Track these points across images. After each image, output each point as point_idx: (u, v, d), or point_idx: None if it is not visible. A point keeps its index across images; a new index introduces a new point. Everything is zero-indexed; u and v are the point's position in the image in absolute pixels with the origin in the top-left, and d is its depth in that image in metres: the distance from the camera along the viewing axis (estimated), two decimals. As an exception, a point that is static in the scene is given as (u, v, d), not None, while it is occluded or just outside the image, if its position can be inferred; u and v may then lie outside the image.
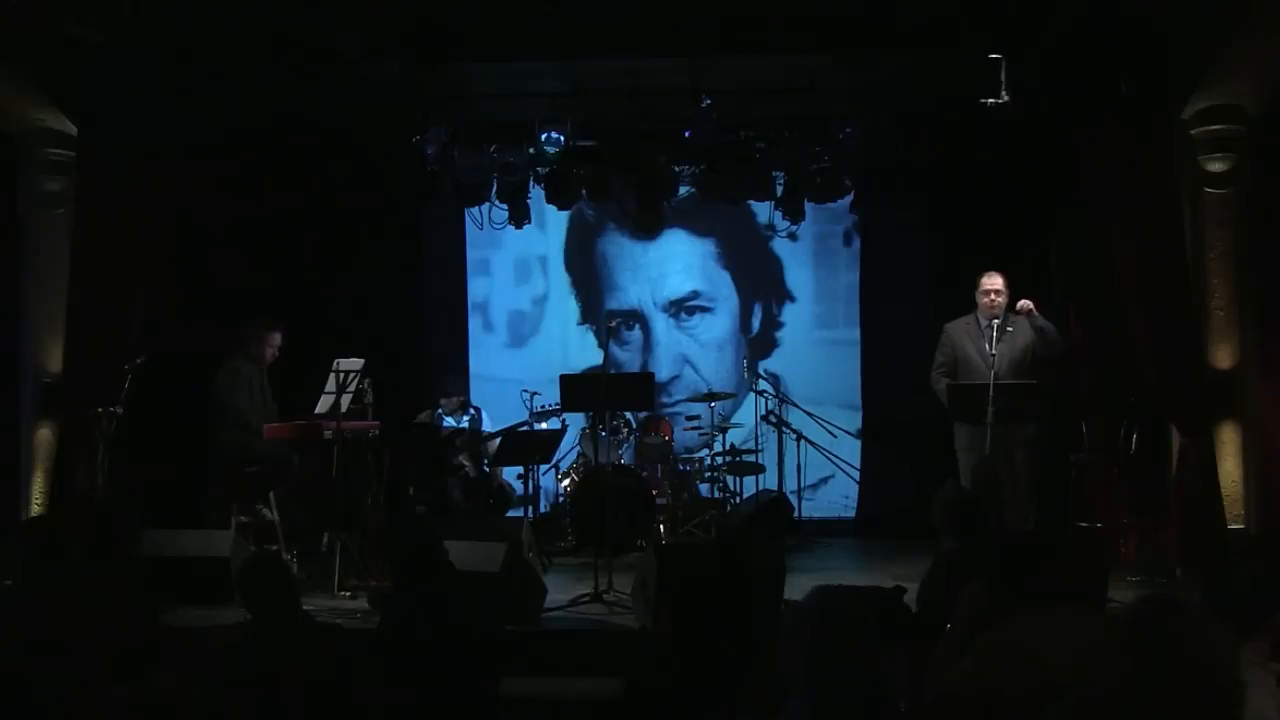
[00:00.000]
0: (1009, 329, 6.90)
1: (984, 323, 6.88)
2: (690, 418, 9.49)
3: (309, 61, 7.06)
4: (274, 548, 7.15)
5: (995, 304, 6.89)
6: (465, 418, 8.93)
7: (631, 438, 9.31)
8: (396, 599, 4.64)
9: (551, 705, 5.16)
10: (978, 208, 8.80)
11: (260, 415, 7.39)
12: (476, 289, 10.41)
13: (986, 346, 6.73)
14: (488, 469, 8.86)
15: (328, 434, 7.09)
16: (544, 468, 8.79)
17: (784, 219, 9.41)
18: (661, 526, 8.63)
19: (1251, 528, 7.17)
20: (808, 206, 9.27)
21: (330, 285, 9.24)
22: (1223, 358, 7.28)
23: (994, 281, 6.94)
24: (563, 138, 8.48)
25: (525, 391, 8.71)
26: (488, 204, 9.28)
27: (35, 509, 7.50)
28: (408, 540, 4.46)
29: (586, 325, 10.40)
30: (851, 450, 9.66)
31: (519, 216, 9.27)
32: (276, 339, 7.58)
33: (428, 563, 4.33)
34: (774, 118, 8.61)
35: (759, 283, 10.29)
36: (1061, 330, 7.46)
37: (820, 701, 2.61)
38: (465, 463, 8.84)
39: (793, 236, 9.99)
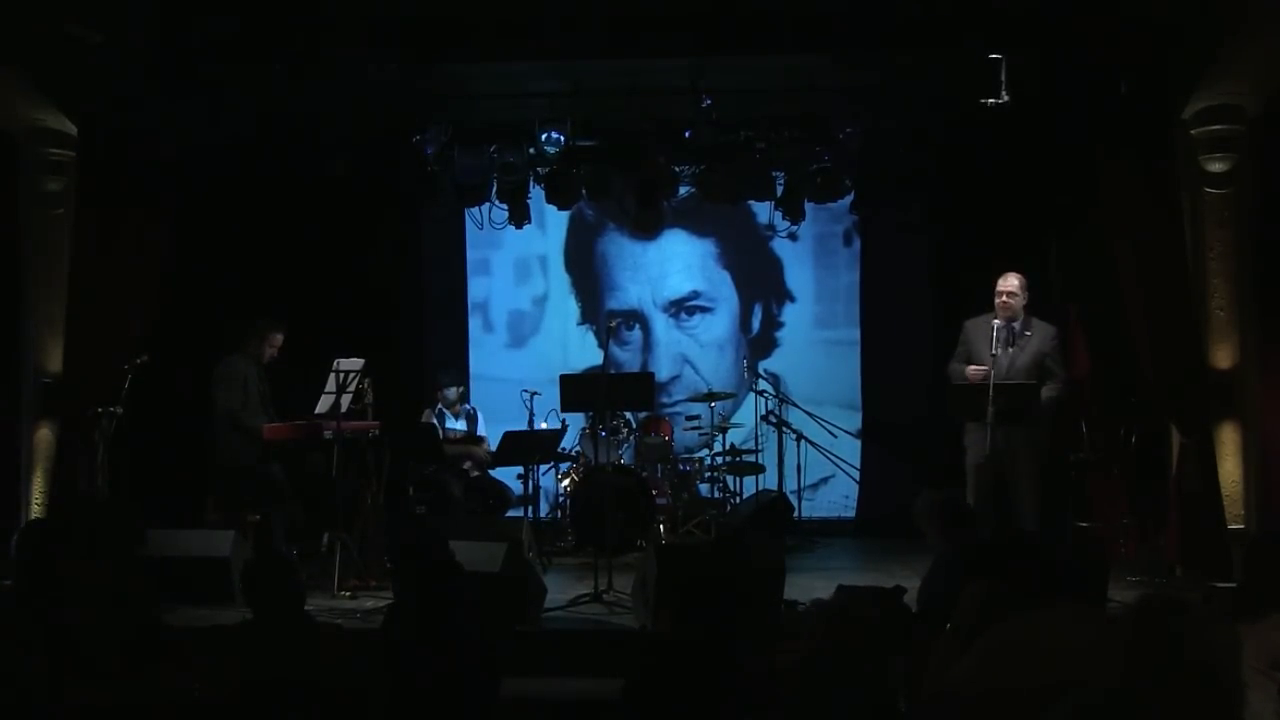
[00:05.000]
0: (1027, 333, 6.83)
1: (998, 323, 6.83)
2: (690, 418, 9.49)
3: (309, 61, 7.06)
4: (279, 548, 7.13)
5: (1008, 305, 6.80)
6: (462, 418, 8.93)
7: (631, 438, 9.31)
8: (399, 599, 4.64)
9: (551, 705, 5.16)
10: (977, 208, 8.80)
11: (255, 414, 7.35)
12: (476, 289, 10.41)
13: (994, 347, 6.69)
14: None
15: (328, 434, 7.09)
16: (544, 468, 8.81)
17: (784, 219, 9.41)
18: (661, 526, 8.62)
19: (1251, 528, 7.17)
20: (808, 206, 9.26)
21: (330, 285, 9.24)
22: (1223, 358, 7.28)
23: (1008, 284, 6.84)
24: (563, 138, 8.48)
25: (525, 391, 8.71)
26: (488, 204, 9.28)
27: (35, 509, 7.50)
28: (413, 541, 4.46)
29: (586, 325, 10.40)
30: (851, 450, 9.66)
31: (519, 216, 9.27)
32: (278, 339, 7.56)
33: (433, 563, 4.33)
34: (774, 118, 8.61)
35: (759, 283, 10.29)
36: (1061, 328, 7.44)
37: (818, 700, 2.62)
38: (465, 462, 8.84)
39: (793, 236, 10.00)
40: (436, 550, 4.43)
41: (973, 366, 6.83)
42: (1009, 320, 6.79)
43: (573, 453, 9.11)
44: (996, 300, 6.87)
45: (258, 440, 7.20)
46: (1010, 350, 6.77)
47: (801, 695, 2.69)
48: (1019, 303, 6.84)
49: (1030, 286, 7.00)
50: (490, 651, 4.25)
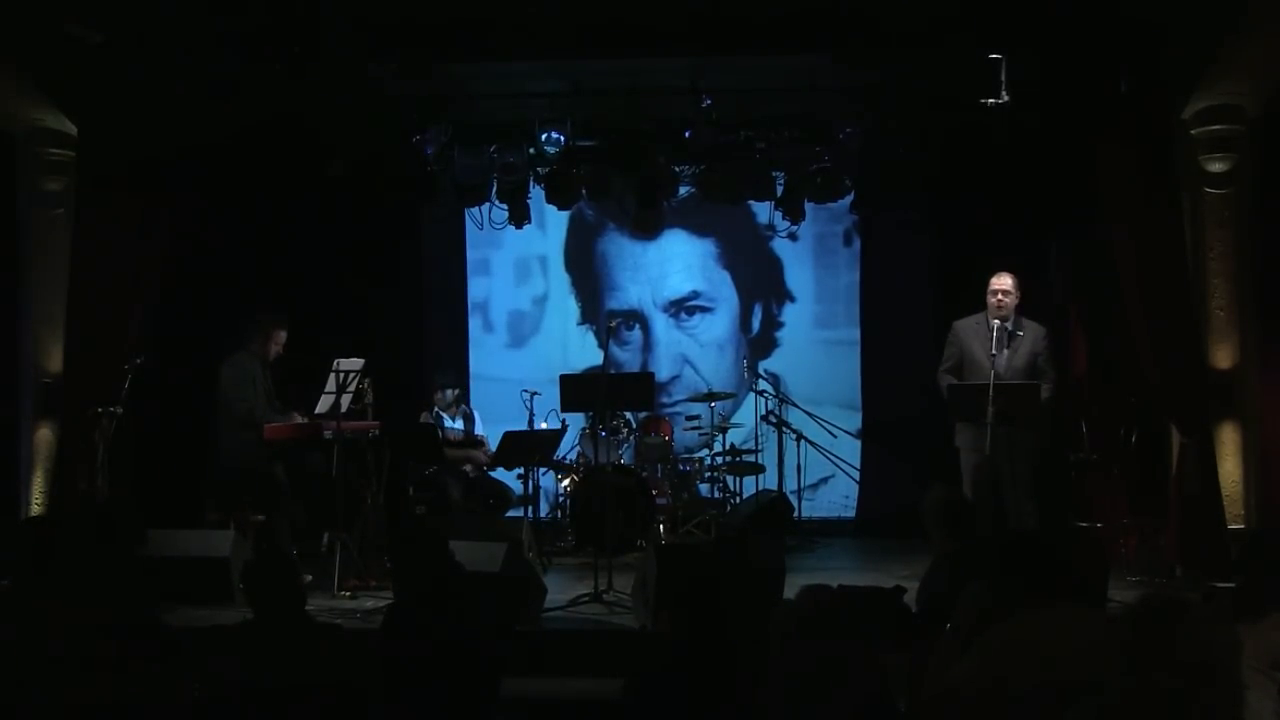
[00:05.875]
0: (1019, 333, 6.85)
1: (992, 323, 6.84)
2: (690, 418, 9.48)
3: (309, 61, 7.06)
4: (282, 547, 7.13)
5: (1003, 304, 6.84)
6: (460, 418, 8.93)
7: (631, 438, 9.30)
8: (399, 600, 4.64)
9: (551, 705, 5.16)
10: (978, 208, 8.79)
11: (263, 413, 7.34)
12: (476, 289, 10.41)
13: (991, 347, 6.69)
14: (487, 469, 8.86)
15: (328, 434, 7.09)
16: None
17: (784, 219, 9.40)
18: (661, 526, 8.62)
19: (1251, 527, 7.17)
20: (808, 206, 9.26)
21: (330, 285, 9.24)
22: (1223, 358, 7.28)
23: (1002, 282, 6.89)
24: (563, 138, 8.48)
25: (525, 392, 8.71)
26: (488, 204, 9.27)
27: (35, 509, 7.50)
28: (415, 545, 4.46)
29: (586, 325, 10.40)
30: (851, 450, 9.66)
31: (519, 216, 9.27)
32: (281, 335, 7.53)
33: (435, 566, 4.33)
34: (774, 118, 8.61)
35: (759, 283, 10.29)
36: (1061, 332, 7.45)
37: (807, 700, 2.62)
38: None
39: (793, 236, 9.99)
40: (435, 551, 4.43)
41: None
42: (1002, 320, 6.81)
43: (571, 462, 9.11)
44: (991, 299, 6.88)
45: (264, 439, 7.20)
46: (1006, 351, 6.78)
47: (789, 696, 2.69)
48: (1013, 302, 6.87)
49: (1027, 286, 7.02)
50: (490, 651, 4.25)
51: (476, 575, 5.78)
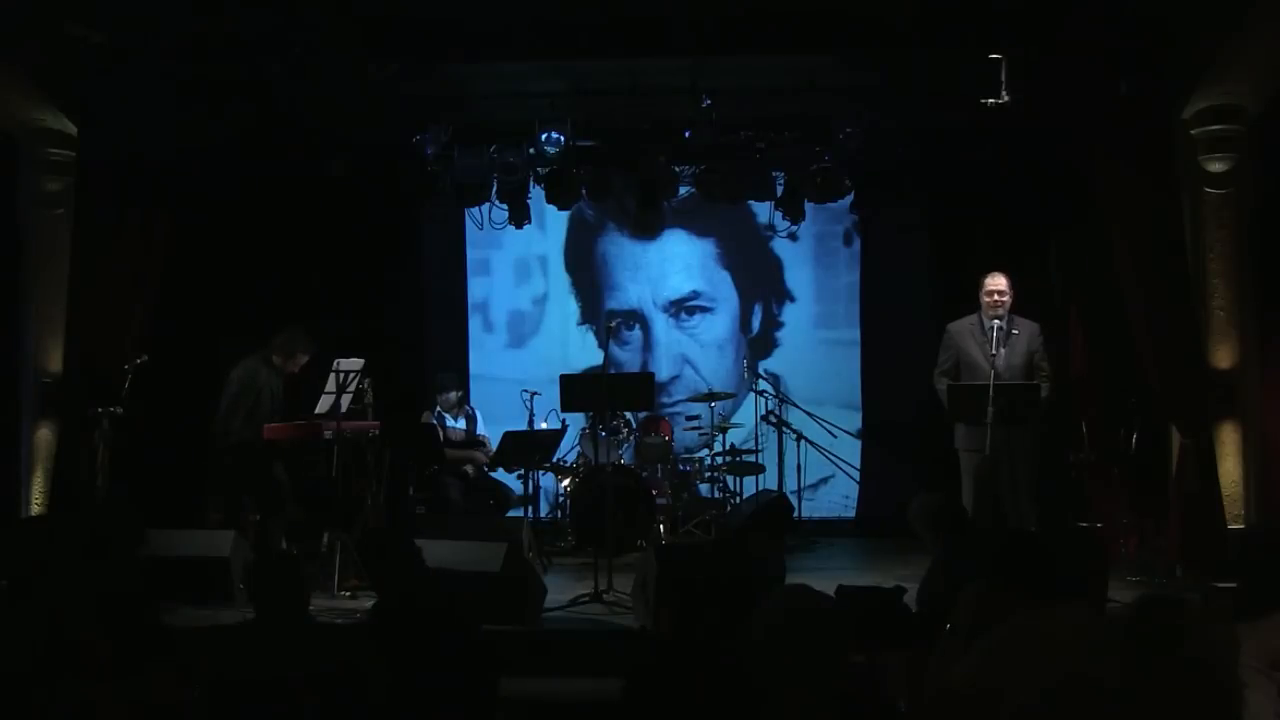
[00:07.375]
0: (1014, 331, 6.87)
1: (987, 323, 6.85)
2: (690, 418, 9.49)
3: (309, 62, 7.06)
4: (279, 548, 7.13)
5: (999, 304, 6.87)
6: (462, 418, 8.94)
7: (631, 438, 9.30)
8: (384, 602, 4.64)
9: (551, 705, 5.16)
10: (977, 208, 8.79)
11: (243, 421, 7.27)
12: (476, 289, 10.41)
13: (989, 347, 6.70)
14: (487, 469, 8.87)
15: (328, 434, 7.09)
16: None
17: (784, 219, 9.40)
18: (661, 526, 8.62)
19: (1251, 527, 7.16)
20: (808, 206, 9.26)
21: (330, 285, 9.24)
22: (1223, 358, 7.28)
23: (997, 282, 6.90)
24: (563, 138, 8.48)
25: (525, 392, 8.72)
26: (488, 204, 9.27)
27: (35, 509, 7.50)
28: (383, 554, 4.46)
29: (586, 325, 10.40)
30: (851, 450, 9.66)
31: (519, 216, 9.27)
32: (303, 359, 7.47)
33: (405, 574, 4.33)
34: (774, 118, 8.61)
35: (759, 283, 10.29)
36: (1061, 332, 7.44)
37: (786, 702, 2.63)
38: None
39: (793, 236, 10.00)
40: (404, 560, 4.42)
41: None
42: (997, 319, 6.81)
43: (571, 463, 9.12)
44: (987, 299, 6.89)
45: (249, 445, 7.17)
46: (1004, 350, 6.78)
47: (770, 698, 2.69)
48: (1008, 299, 6.88)
49: (1026, 286, 7.03)
50: (488, 652, 4.24)
51: (477, 575, 5.79)
